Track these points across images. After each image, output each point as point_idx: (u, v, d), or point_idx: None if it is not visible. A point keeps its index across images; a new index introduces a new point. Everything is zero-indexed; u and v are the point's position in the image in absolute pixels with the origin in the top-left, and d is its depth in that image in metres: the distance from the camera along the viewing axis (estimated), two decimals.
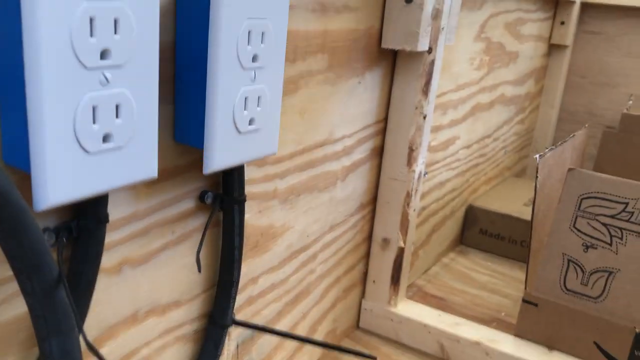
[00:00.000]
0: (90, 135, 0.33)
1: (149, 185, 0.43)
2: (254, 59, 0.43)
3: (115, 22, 0.32)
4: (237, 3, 0.40)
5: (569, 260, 0.75)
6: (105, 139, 0.34)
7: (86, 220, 0.37)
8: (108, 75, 0.33)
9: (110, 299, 0.43)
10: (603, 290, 0.73)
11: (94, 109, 0.32)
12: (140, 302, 0.46)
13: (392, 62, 0.73)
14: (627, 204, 0.71)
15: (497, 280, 1.03)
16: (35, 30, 0.29)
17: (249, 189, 0.54)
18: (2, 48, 0.31)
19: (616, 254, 0.72)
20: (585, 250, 0.73)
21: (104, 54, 0.32)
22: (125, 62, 0.33)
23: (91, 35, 0.31)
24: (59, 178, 0.32)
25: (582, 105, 1.51)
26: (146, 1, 0.34)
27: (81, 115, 0.32)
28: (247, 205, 0.54)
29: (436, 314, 0.82)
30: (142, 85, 0.35)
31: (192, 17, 0.41)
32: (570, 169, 0.73)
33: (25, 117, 0.31)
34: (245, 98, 0.43)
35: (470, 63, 0.99)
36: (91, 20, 0.31)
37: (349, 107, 0.67)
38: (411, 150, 0.74)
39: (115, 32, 0.32)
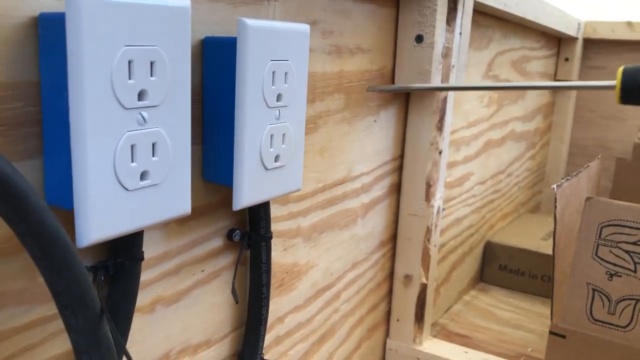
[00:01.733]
0: (129, 173, 0.34)
1: (180, 224, 0.44)
2: (278, 98, 0.45)
3: (152, 64, 0.34)
4: (261, 46, 0.42)
5: (594, 290, 0.74)
6: (143, 176, 0.35)
7: (122, 258, 0.38)
8: (145, 114, 0.34)
9: (144, 338, 0.43)
10: (631, 319, 0.72)
11: (132, 147, 0.34)
12: (172, 342, 0.46)
13: (405, 100, 0.74)
14: None
15: (520, 316, 1.02)
16: (79, 73, 0.30)
17: (273, 227, 0.54)
18: (47, 95, 0.33)
19: None
20: (610, 278, 0.73)
21: (141, 95, 0.34)
22: (161, 102, 0.35)
23: (129, 77, 0.33)
24: (101, 215, 0.33)
25: (593, 139, 1.52)
26: (179, 45, 0.35)
27: (120, 153, 0.33)
28: (272, 243, 0.55)
29: (463, 351, 0.81)
30: (176, 125, 0.36)
31: (219, 60, 0.43)
32: (588, 198, 0.74)
33: (66, 157, 0.32)
34: (271, 135, 0.44)
35: (479, 101, 1.00)
36: (129, 63, 0.33)
37: (365, 145, 0.68)
38: (429, 185, 0.75)
39: (151, 74, 0.34)
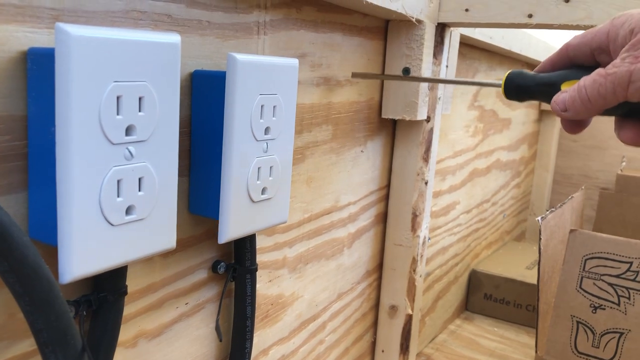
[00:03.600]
0: (114, 208, 0.34)
1: (164, 257, 0.44)
2: (266, 131, 0.45)
3: (140, 99, 0.34)
4: (250, 80, 0.42)
5: (578, 322, 0.74)
6: (128, 211, 0.35)
7: (105, 292, 0.37)
8: (132, 149, 0.34)
9: None
10: (615, 352, 0.72)
11: (118, 182, 0.34)
12: None
13: (392, 131, 0.75)
14: (631, 263, 0.71)
15: (505, 346, 1.02)
16: (67, 108, 0.30)
17: (259, 258, 0.54)
18: (34, 129, 0.32)
19: (625, 314, 0.71)
20: (594, 311, 0.73)
21: (129, 130, 0.34)
22: (148, 137, 0.35)
23: (118, 112, 0.33)
24: (85, 251, 0.32)
25: (576, 168, 1.54)
26: (168, 80, 0.36)
27: (106, 188, 0.33)
28: (258, 275, 0.54)
29: None
30: (163, 159, 0.36)
31: (208, 93, 0.43)
32: (572, 230, 0.74)
33: (51, 192, 0.32)
34: (259, 168, 0.44)
35: (465, 130, 1.01)
36: (118, 98, 0.33)
37: (352, 174, 0.68)
38: (415, 215, 0.75)
39: (139, 110, 0.34)
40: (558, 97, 0.41)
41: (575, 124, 0.43)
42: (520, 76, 0.44)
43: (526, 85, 0.44)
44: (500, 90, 0.45)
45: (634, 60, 0.36)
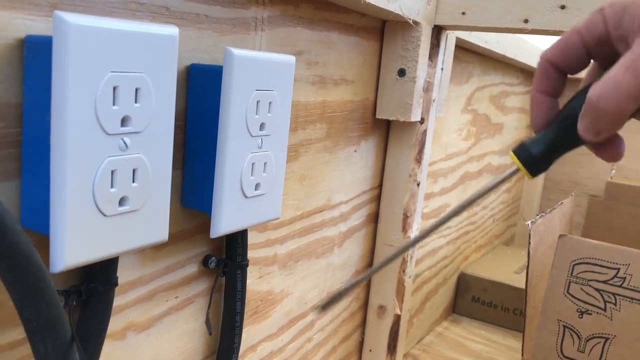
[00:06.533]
0: (107, 199, 0.33)
1: (155, 249, 0.44)
2: (262, 127, 0.45)
3: (137, 90, 0.34)
4: (247, 76, 0.42)
5: (564, 327, 0.75)
6: (122, 202, 0.35)
7: (96, 283, 0.37)
8: (127, 140, 0.34)
9: None
10: (600, 357, 0.72)
11: (112, 173, 0.34)
12: None
13: (385, 131, 0.75)
14: (618, 269, 0.72)
15: (491, 349, 1.02)
16: (63, 97, 0.30)
17: (250, 254, 0.54)
18: (29, 117, 0.32)
19: (611, 319, 0.72)
20: (580, 316, 0.74)
21: (124, 121, 0.34)
22: (144, 128, 0.35)
23: (114, 103, 0.33)
24: (77, 240, 0.32)
25: (566, 175, 1.55)
26: (165, 72, 0.36)
27: (100, 179, 0.33)
28: (248, 271, 0.54)
29: None
30: (157, 151, 0.36)
31: (204, 87, 0.43)
32: (561, 235, 0.75)
33: (45, 181, 0.32)
34: (253, 164, 0.45)
35: (458, 134, 1.02)
36: (115, 88, 0.33)
37: (345, 174, 0.69)
38: (406, 216, 0.76)
39: (135, 101, 0.34)
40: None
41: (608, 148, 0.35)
42: (530, 145, 0.35)
43: (546, 145, 0.35)
44: (523, 174, 0.35)
45: None
